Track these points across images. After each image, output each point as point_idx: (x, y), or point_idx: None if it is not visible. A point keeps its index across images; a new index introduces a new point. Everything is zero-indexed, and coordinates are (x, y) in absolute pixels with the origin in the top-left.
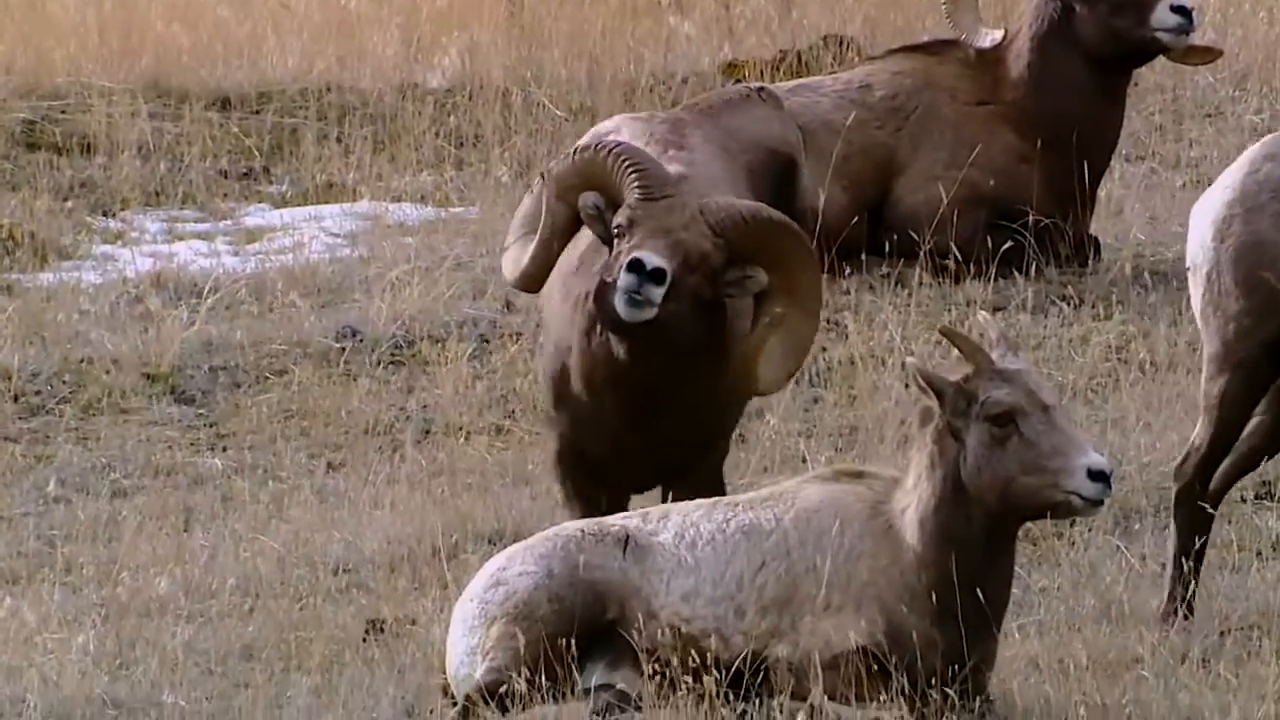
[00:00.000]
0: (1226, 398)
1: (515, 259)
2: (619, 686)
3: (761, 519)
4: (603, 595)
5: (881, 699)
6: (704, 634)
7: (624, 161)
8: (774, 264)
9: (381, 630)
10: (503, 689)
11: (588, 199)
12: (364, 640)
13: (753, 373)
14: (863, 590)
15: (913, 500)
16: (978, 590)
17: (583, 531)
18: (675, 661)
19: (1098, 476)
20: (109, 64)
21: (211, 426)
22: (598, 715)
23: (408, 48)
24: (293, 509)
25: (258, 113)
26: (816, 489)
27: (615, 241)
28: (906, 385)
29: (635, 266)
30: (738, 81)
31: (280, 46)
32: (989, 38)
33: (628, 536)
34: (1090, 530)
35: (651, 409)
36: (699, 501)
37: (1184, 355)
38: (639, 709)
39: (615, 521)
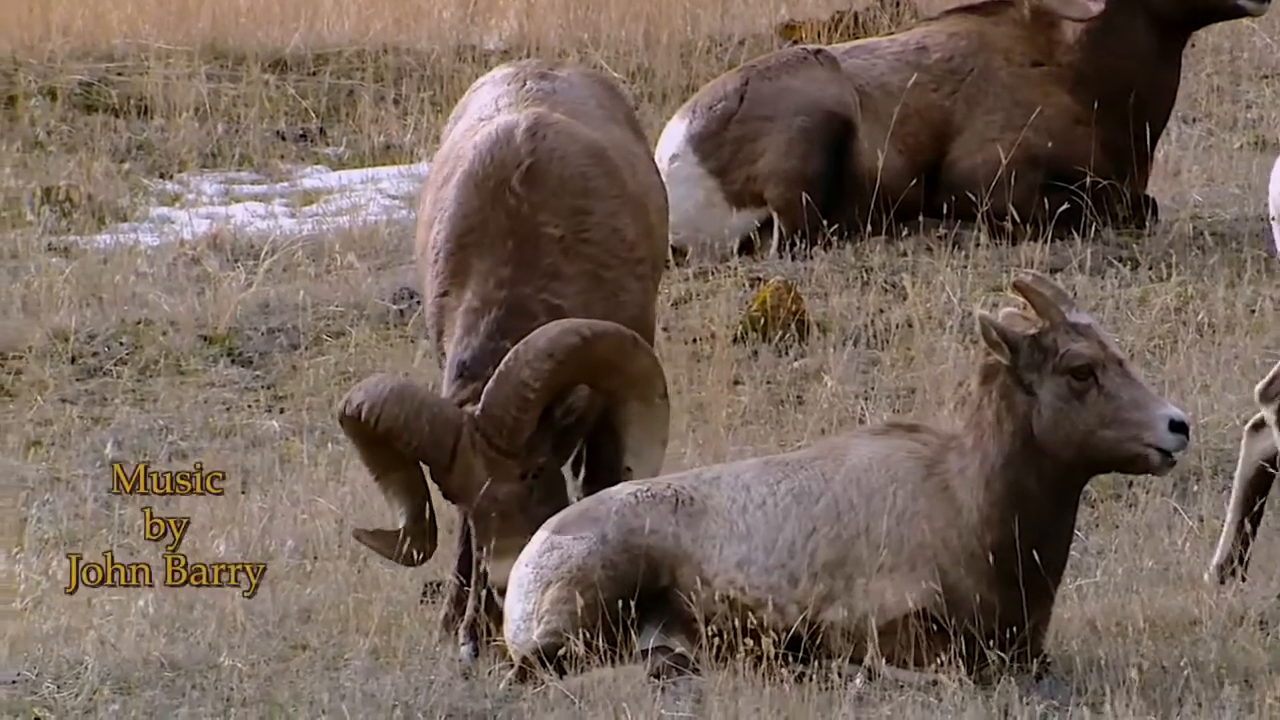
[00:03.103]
0: None
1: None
2: (676, 649)
3: (811, 481)
4: (656, 561)
5: (940, 661)
6: (758, 603)
7: (403, 441)
8: (593, 376)
9: (439, 592)
10: (560, 652)
11: (408, 450)
12: (422, 602)
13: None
14: (918, 552)
15: (974, 460)
16: (1037, 551)
17: (635, 496)
18: (736, 623)
19: (1178, 428)
20: (166, 26)
21: (269, 388)
22: (655, 677)
23: (464, 9)
24: (350, 470)
25: (315, 74)
26: (867, 445)
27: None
28: (971, 342)
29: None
30: (795, 43)
31: (337, 8)
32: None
33: (679, 500)
34: (1148, 492)
35: None
36: (749, 462)
37: (1242, 317)
38: (696, 671)
39: (666, 483)
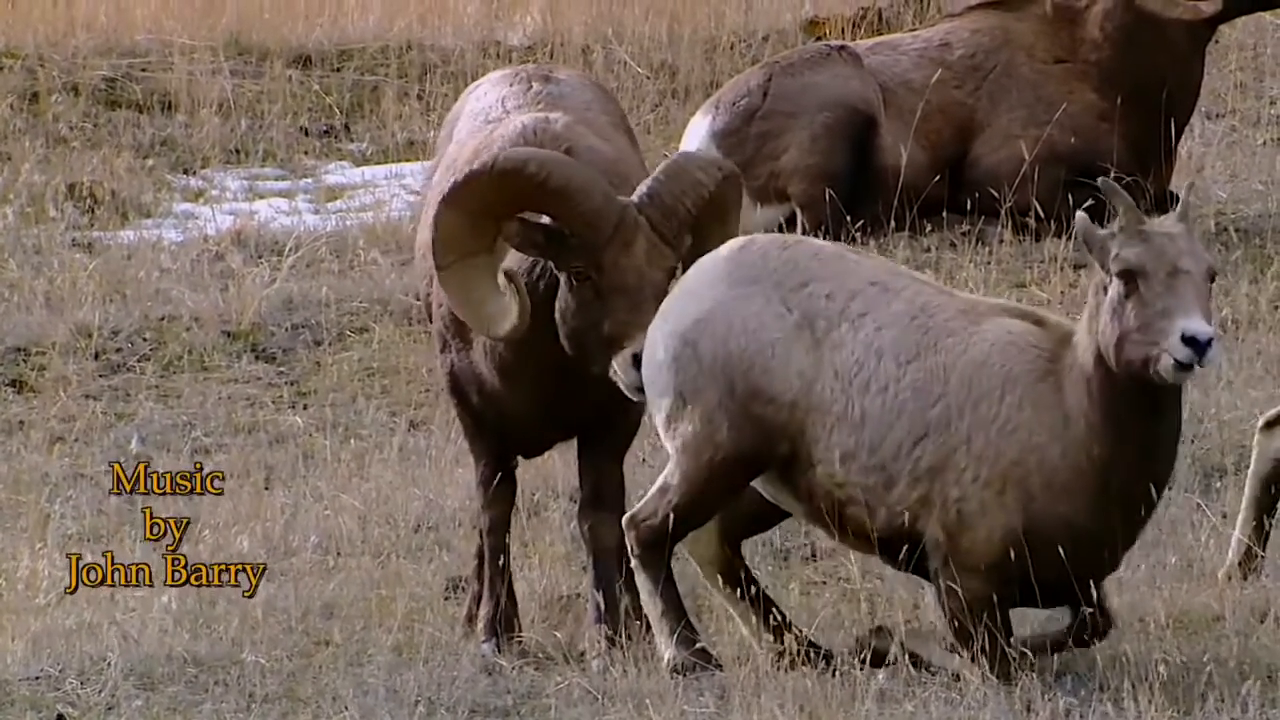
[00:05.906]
0: None
1: (498, 314)
2: (699, 645)
3: (934, 373)
4: (775, 430)
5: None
6: (852, 500)
7: (571, 203)
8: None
9: (462, 588)
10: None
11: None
12: (445, 598)
13: None
14: (1011, 470)
15: (1076, 356)
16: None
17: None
18: (827, 513)
19: (1189, 341)
20: (190, 21)
21: (292, 384)
22: (678, 674)
23: (489, 5)
24: (374, 467)
25: (338, 70)
26: (993, 330)
27: (574, 279)
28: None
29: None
30: (818, 39)
31: (361, 3)
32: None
33: (813, 327)
34: (1171, 488)
35: (570, 394)
36: (897, 310)
37: (1265, 313)
38: (719, 668)
39: (806, 291)
